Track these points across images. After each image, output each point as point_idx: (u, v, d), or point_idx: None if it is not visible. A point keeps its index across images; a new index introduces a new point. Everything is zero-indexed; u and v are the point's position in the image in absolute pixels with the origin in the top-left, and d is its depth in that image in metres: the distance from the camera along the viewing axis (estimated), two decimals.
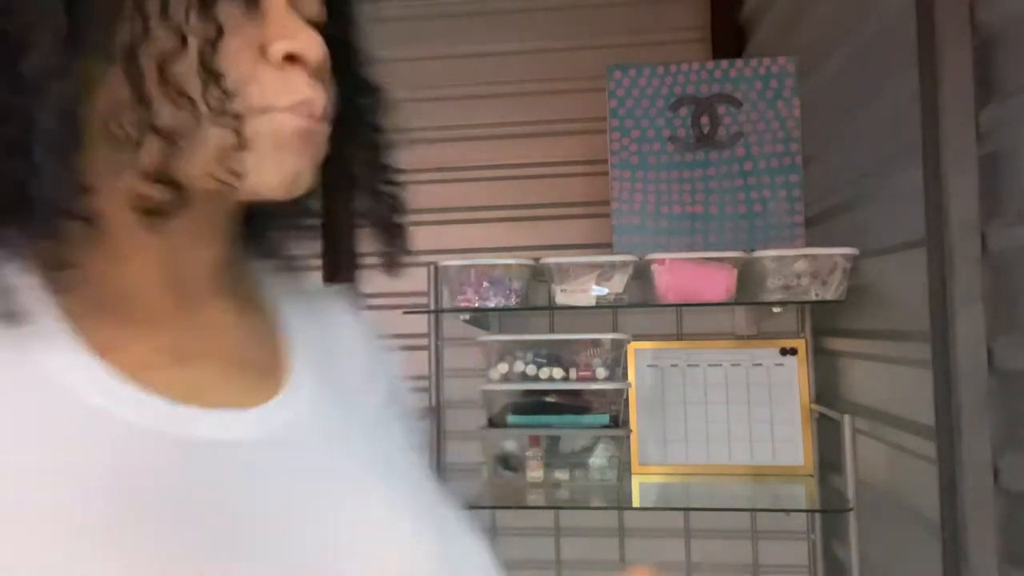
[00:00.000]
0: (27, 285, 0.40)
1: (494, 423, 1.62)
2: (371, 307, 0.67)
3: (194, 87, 0.39)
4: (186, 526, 0.39)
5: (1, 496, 0.35)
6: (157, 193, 0.40)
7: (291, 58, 0.43)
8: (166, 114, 0.39)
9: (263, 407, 0.46)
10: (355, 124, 0.54)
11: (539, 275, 1.54)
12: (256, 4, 0.43)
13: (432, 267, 1.66)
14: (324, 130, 0.46)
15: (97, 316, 0.42)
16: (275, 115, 0.42)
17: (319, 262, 0.58)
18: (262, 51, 0.43)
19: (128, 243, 0.43)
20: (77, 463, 0.37)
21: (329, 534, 0.43)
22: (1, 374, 0.38)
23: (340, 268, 0.57)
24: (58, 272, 0.40)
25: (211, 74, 0.39)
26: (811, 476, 1.64)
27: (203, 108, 0.39)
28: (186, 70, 0.39)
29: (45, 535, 0.35)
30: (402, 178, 0.59)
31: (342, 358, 0.55)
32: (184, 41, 0.39)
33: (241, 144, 0.41)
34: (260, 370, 0.49)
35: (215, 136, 0.40)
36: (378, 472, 0.50)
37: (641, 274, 1.50)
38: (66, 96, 0.37)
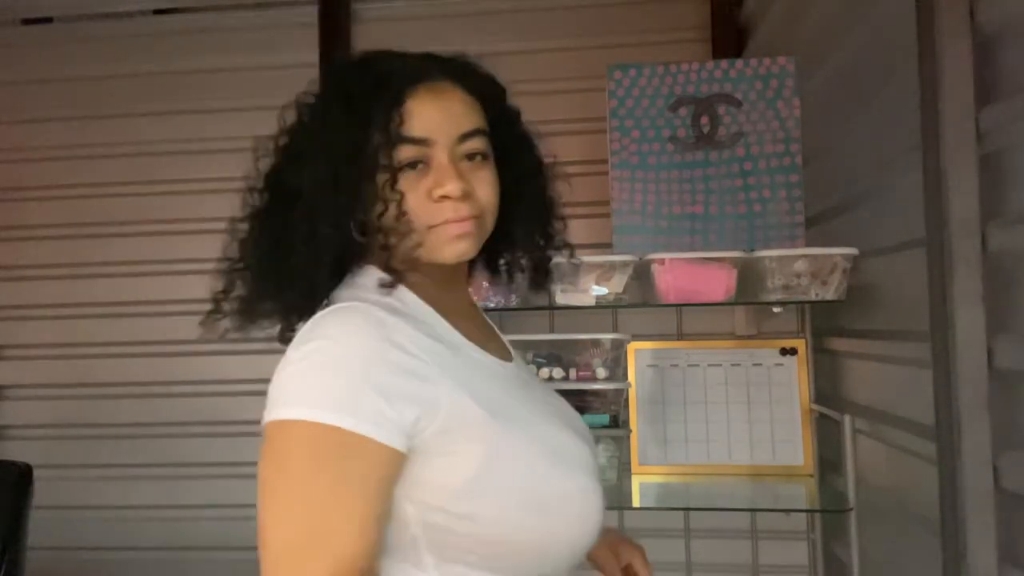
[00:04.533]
0: (420, 303, 0.83)
1: None
2: None
3: (393, 224, 0.79)
4: (556, 414, 0.88)
5: (495, 396, 0.80)
6: (404, 265, 0.81)
7: (443, 196, 0.79)
8: (390, 235, 0.80)
9: (513, 362, 0.91)
10: (519, 197, 0.89)
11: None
12: (428, 166, 0.80)
13: None
14: (474, 225, 0.81)
15: (448, 315, 0.84)
16: (437, 228, 0.80)
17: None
18: (428, 194, 0.79)
19: (433, 284, 0.84)
20: (498, 385, 0.83)
21: (572, 415, 0.93)
22: (444, 344, 0.79)
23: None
24: (422, 296, 0.83)
25: (400, 217, 0.78)
26: (811, 476, 1.64)
27: (400, 232, 0.79)
28: (388, 216, 0.78)
29: (519, 414, 0.81)
30: (560, 235, 0.95)
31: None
32: (386, 203, 0.78)
33: (419, 245, 0.80)
34: (500, 344, 0.95)
35: (409, 241, 0.80)
36: (552, 392, 0.98)
37: (641, 274, 1.50)
38: (334, 233, 0.78)
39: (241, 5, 2.23)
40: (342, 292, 0.81)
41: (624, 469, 1.66)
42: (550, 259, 0.95)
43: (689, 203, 1.57)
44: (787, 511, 1.64)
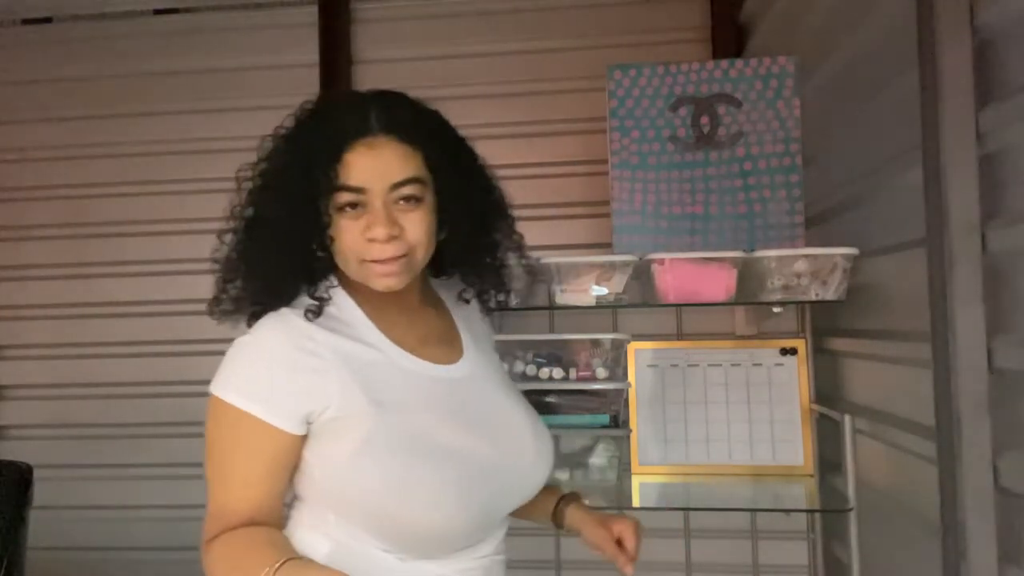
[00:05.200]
0: (357, 310, 0.99)
1: None
2: None
3: (349, 259, 0.94)
4: (461, 413, 0.96)
5: (387, 389, 0.93)
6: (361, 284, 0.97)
7: (372, 238, 0.92)
8: (350, 268, 0.95)
9: (459, 363, 1.02)
10: (466, 227, 1.00)
11: (539, 275, 1.54)
12: (364, 208, 0.92)
13: None
14: (400, 264, 0.93)
15: (384, 323, 0.98)
16: (367, 264, 0.93)
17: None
18: (362, 233, 0.92)
19: (380, 296, 0.97)
20: (405, 385, 0.95)
21: (505, 420, 1.00)
22: (361, 345, 0.96)
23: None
24: (367, 305, 0.99)
25: (340, 249, 0.94)
26: (811, 476, 1.64)
27: (342, 261, 0.95)
28: (346, 253, 0.94)
29: (412, 412, 0.93)
30: (505, 266, 1.07)
31: (478, 331, 1.11)
32: (330, 237, 0.93)
33: (357, 275, 0.95)
34: (449, 344, 1.04)
35: (349, 268, 0.95)
36: (507, 389, 1.07)
37: (641, 274, 1.50)
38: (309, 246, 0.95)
39: (241, 5, 2.23)
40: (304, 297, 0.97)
41: (624, 469, 1.66)
42: (503, 280, 1.08)
43: (689, 203, 1.56)
44: (787, 511, 1.64)
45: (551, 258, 1.47)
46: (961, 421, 1.04)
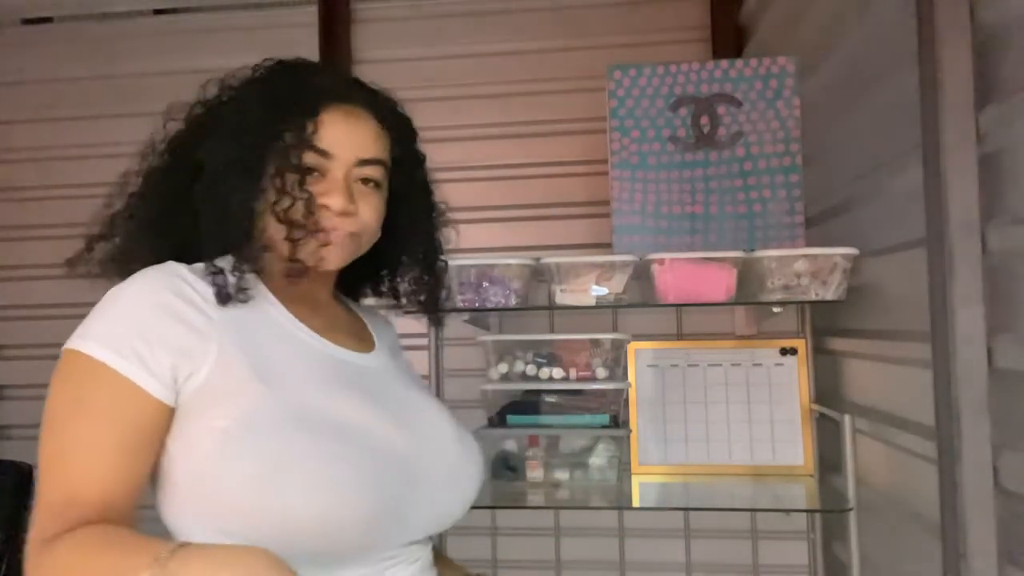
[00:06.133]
0: (259, 285, 0.86)
1: (494, 423, 1.62)
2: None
3: (294, 221, 0.84)
4: (366, 396, 0.84)
5: (281, 362, 0.81)
6: (291, 264, 0.87)
7: (324, 205, 0.85)
8: (287, 232, 0.84)
9: (370, 353, 0.94)
10: (410, 234, 0.99)
11: (539, 275, 1.54)
12: (325, 176, 0.86)
13: None
14: (346, 239, 0.87)
15: (288, 302, 0.88)
16: (320, 234, 0.85)
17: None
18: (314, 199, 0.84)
19: (289, 277, 0.89)
20: (305, 359, 0.84)
21: (421, 413, 0.90)
22: (258, 313, 0.84)
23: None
24: (273, 283, 0.88)
25: (292, 217, 0.83)
26: (811, 476, 1.64)
27: (297, 225, 0.84)
28: (291, 213, 0.83)
29: (309, 386, 0.80)
30: (432, 266, 1.03)
31: (385, 339, 1.03)
32: (293, 199, 0.83)
33: (293, 245, 0.85)
34: (359, 338, 0.97)
35: (294, 234, 0.84)
36: (420, 387, 0.98)
37: (641, 274, 1.50)
38: (245, 216, 0.84)
39: (241, 5, 2.23)
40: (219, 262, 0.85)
41: (624, 469, 1.66)
42: (434, 291, 1.04)
43: (689, 203, 1.56)
44: (787, 511, 1.64)
45: (551, 258, 1.47)
46: (961, 421, 1.04)
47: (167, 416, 0.75)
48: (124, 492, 0.71)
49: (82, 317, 0.80)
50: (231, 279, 0.81)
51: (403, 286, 1.04)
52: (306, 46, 2.16)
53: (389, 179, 0.92)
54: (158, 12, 2.26)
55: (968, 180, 1.04)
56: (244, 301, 0.81)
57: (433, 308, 1.04)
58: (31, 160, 2.25)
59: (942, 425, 1.07)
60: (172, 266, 0.81)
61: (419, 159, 0.99)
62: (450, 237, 1.06)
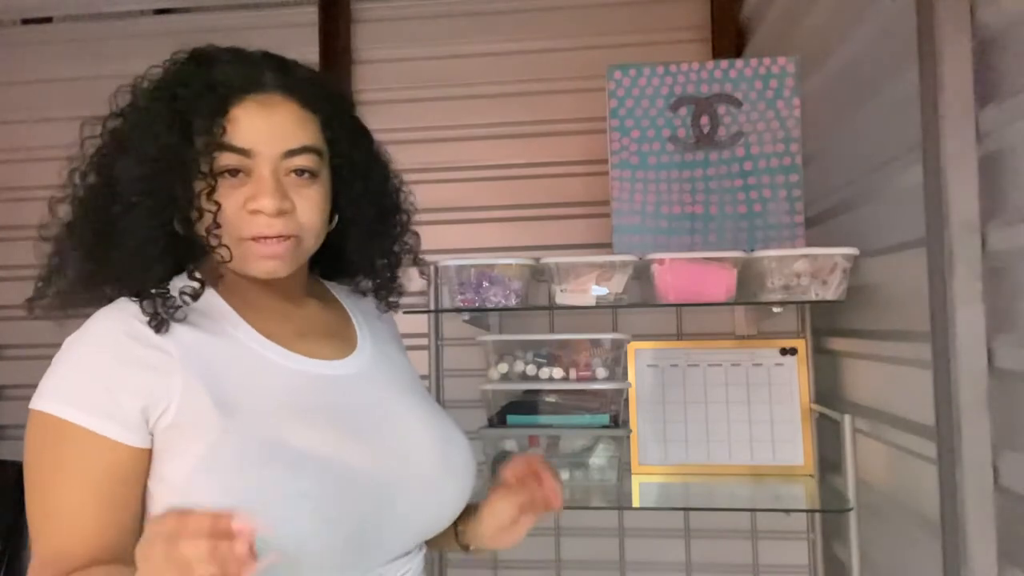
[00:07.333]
0: (218, 299, 0.83)
1: (494, 423, 1.62)
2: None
3: (211, 232, 0.78)
4: (333, 416, 0.80)
5: (243, 390, 0.77)
6: (229, 272, 0.83)
7: (256, 210, 0.78)
8: (217, 247, 0.79)
9: (347, 359, 0.88)
10: (358, 218, 0.90)
11: (539, 275, 1.54)
12: (248, 176, 0.79)
13: (432, 267, 1.66)
14: (288, 247, 0.80)
15: (254, 315, 0.84)
16: (247, 242, 0.79)
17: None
18: (244, 205, 0.78)
19: (253, 286, 0.85)
20: (269, 384, 0.79)
21: (394, 425, 0.84)
22: (221, 338, 0.80)
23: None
24: (234, 296, 0.84)
25: (214, 226, 0.77)
26: (811, 476, 1.64)
27: (215, 241, 0.78)
28: (201, 225, 0.78)
29: (270, 414, 0.76)
30: (396, 254, 0.97)
31: (379, 329, 0.97)
32: (200, 211, 0.78)
33: (232, 257, 0.80)
34: (340, 338, 0.91)
35: (223, 252, 0.79)
36: (410, 393, 0.91)
37: (641, 274, 1.50)
38: (153, 233, 0.79)
39: (241, 5, 2.23)
40: (174, 282, 0.81)
41: (624, 469, 1.66)
42: (394, 279, 0.97)
43: (689, 203, 1.56)
44: (787, 511, 1.64)
45: (551, 258, 1.47)
46: (961, 421, 1.04)
47: (144, 458, 0.75)
48: (113, 540, 0.72)
49: (83, 317, 0.81)
50: (180, 299, 0.78)
51: (361, 281, 0.98)
52: (306, 46, 2.16)
53: (330, 163, 0.85)
54: (158, 12, 2.27)
55: (968, 180, 1.04)
56: (180, 320, 0.78)
57: (390, 291, 0.97)
58: (31, 160, 2.25)
59: (942, 425, 1.07)
60: (123, 305, 0.78)
61: (358, 133, 0.90)
62: (414, 205, 0.97)
